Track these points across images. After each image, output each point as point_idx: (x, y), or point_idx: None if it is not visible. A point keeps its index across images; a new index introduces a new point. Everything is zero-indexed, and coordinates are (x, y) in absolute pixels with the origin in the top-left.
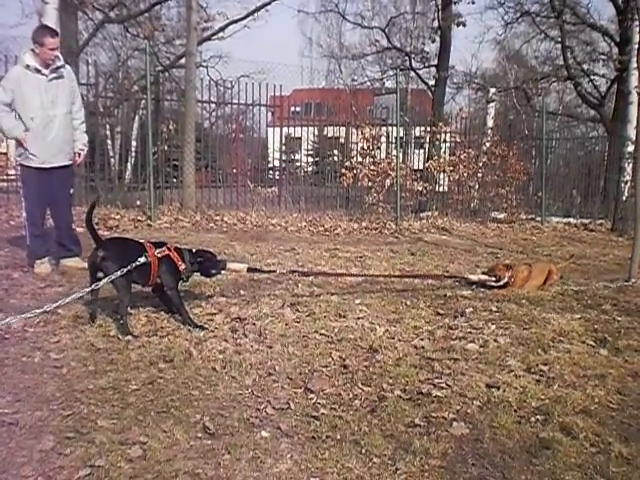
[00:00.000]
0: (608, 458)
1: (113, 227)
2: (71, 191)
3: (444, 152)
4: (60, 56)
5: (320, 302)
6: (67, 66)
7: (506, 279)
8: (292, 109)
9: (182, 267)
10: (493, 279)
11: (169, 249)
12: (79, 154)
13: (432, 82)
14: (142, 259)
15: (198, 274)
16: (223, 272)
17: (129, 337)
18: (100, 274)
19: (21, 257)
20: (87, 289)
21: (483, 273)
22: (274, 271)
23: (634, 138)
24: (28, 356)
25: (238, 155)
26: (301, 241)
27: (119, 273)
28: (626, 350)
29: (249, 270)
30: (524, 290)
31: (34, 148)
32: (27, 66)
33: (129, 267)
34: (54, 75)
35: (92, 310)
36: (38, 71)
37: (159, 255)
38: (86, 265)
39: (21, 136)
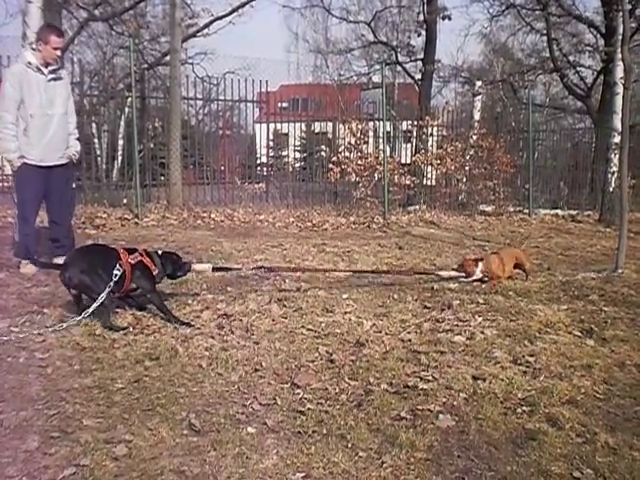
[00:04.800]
0: (594, 448)
1: (100, 226)
2: (73, 185)
3: (431, 146)
4: (60, 58)
5: (307, 297)
6: (64, 69)
7: (478, 273)
8: (279, 105)
9: (155, 272)
10: (463, 275)
11: (141, 254)
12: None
13: (419, 76)
14: (118, 271)
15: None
16: (189, 274)
17: (115, 335)
18: (74, 291)
19: (7, 257)
20: (79, 317)
21: (453, 269)
22: (240, 268)
23: (620, 129)
24: (13, 356)
25: (225, 152)
26: (289, 237)
27: (102, 297)
28: (612, 340)
29: (214, 270)
30: (505, 276)
31: (33, 146)
32: (29, 63)
33: (110, 286)
34: (53, 76)
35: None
36: (39, 70)
37: (132, 262)
38: None
39: (13, 163)
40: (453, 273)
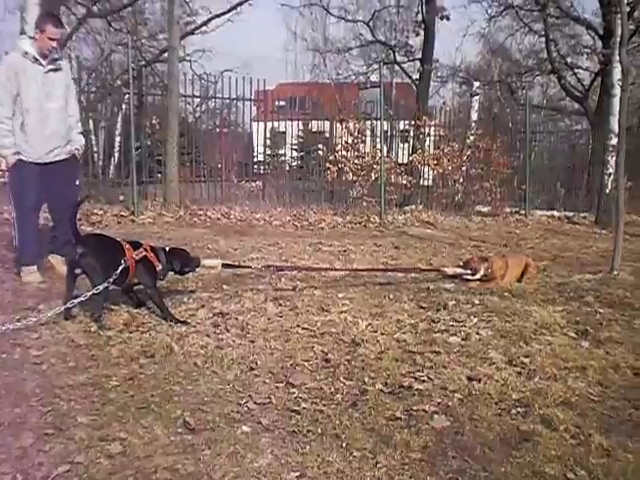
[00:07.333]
0: (588, 450)
1: (96, 223)
2: (77, 182)
3: (428, 146)
4: (58, 48)
5: (303, 296)
6: (65, 59)
7: (482, 272)
8: (277, 103)
9: (159, 268)
10: (469, 272)
11: (146, 250)
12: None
13: (416, 76)
14: (122, 264)
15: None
16: (197, 269)
17: (110, 332)
18: (78, 271)
19: (2, 253)
20: (80, 298)
21: (458, 266)
22: (250, 266)
23: (617, 131)
24: (8, 353)
25: (222, 150)
26: (285, 235)
27: (103, 286)
28: (607, 342)
29: (224, 266)
30: (506, 281)
31: (30, 142)
32: (25, 53)
33: (113, 277)
34: (51, 67)
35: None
36: (36, 60)
37: (137, 257)
38: None
39: (8, 159)
40: (458, 270)
